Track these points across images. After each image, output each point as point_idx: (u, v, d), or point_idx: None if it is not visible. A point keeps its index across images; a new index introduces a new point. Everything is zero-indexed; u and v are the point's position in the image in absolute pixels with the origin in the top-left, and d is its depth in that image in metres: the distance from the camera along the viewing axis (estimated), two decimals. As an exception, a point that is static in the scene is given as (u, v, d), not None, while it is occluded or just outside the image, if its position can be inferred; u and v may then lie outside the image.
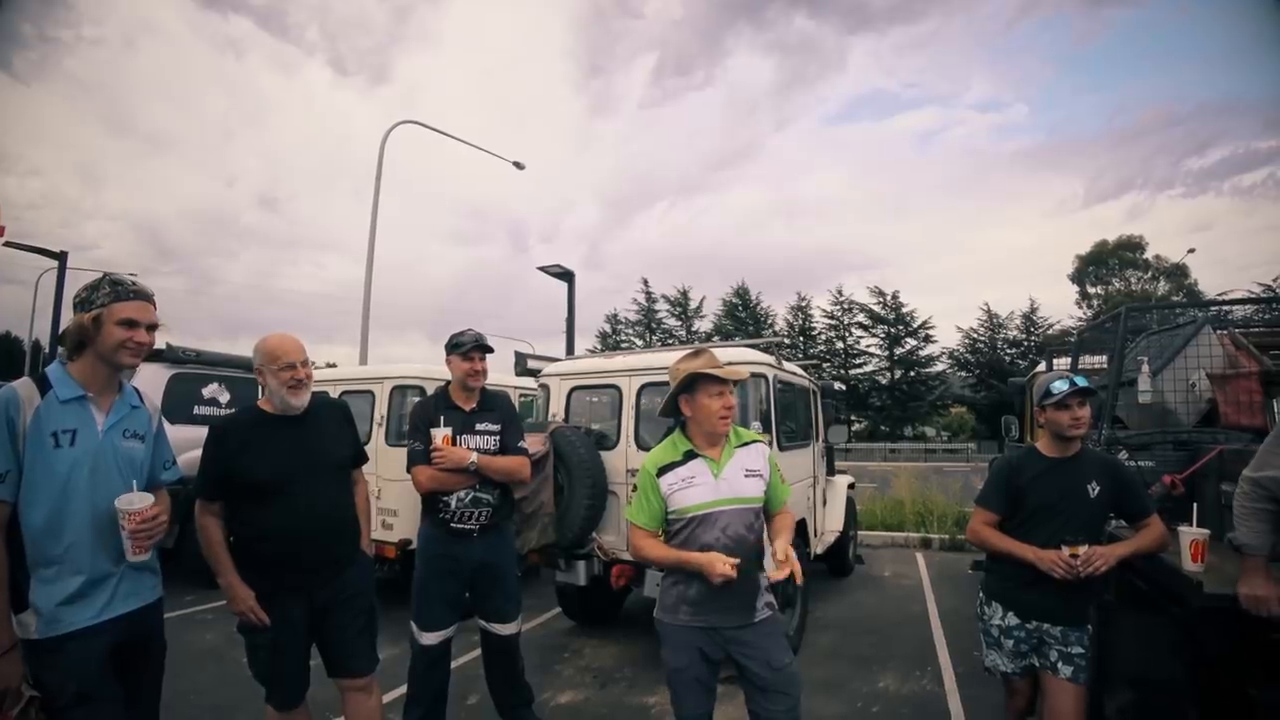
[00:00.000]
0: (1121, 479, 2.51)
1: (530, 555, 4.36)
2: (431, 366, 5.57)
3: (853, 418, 35.17)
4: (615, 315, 39.02)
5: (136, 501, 1.90)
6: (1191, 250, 37.35)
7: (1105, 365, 4.77)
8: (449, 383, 3.25)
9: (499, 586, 3.18)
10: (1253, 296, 13.00)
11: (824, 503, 6.06)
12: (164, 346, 6.47)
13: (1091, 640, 2.51)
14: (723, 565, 2.06)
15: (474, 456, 3.02)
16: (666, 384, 4.43)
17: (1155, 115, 73.66)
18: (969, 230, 75.47)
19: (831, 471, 6.67)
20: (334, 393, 5.74)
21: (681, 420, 2.37)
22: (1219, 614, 2.23)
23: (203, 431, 2.58)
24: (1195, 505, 2.71)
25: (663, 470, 2.28)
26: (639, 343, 37.38)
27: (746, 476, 2.30)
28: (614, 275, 75.29)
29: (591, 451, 4.46)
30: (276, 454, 2.44)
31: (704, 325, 38.09)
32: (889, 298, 35.62)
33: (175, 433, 2.54)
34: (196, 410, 6.76)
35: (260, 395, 2.59)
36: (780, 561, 2.09)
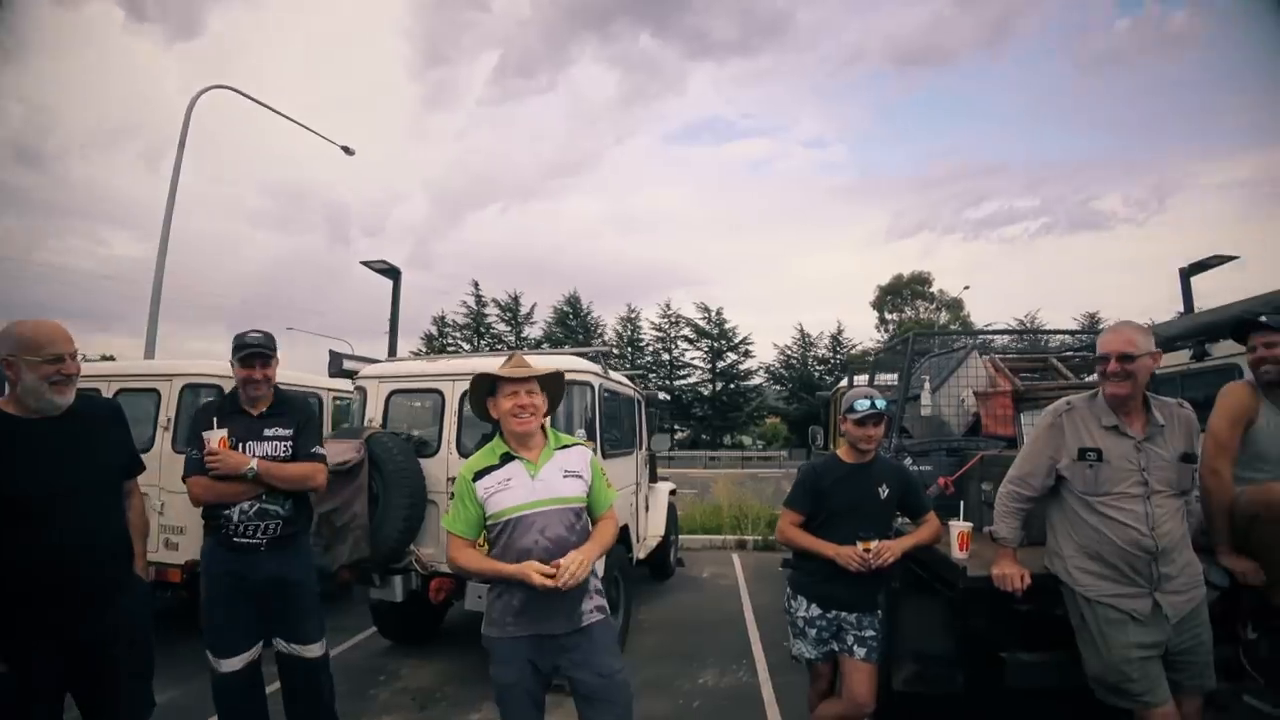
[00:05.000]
0: (906, 482, 2.86)
1: (341, 572, 4.02)
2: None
3: (676, 427, 36.63)
4: (443, 317, 37.53)
5: None
6: (967, 287, 43.20)
7: (896, 382, 5.36)
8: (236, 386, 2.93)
9: (294, 604, 2.87)
10: (1010, 329, 15.58)
11: (647, 509, 6.22)
12: None
13: (881, 623, 2.81)
14: (537, 576, 2.04)
15: (252, 463, 2.71)
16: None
17: (946, 169, 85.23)
18: (790, 255, 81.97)
19: (654, 478, 6.85)
20: (107, 391, 4.94)
21: (499, 426, 2.33)
22: (979, 593, 2.62)
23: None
24: (962, 503, 3.14)
25: (479, 474, 2.23)
26: (466, 347, 36.25)
27: (565, 477, 2.28)
28: (443, 275, 72.46)
29: (410, 459, 4.23)
30: (28, 464, 2.05)
31: (534, 332, 37.76)
32: (714, 313, 37.60)
33: None
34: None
35: (2, 392, 2.16)
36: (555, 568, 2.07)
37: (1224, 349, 4.21)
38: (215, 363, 4.99)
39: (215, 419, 2.76)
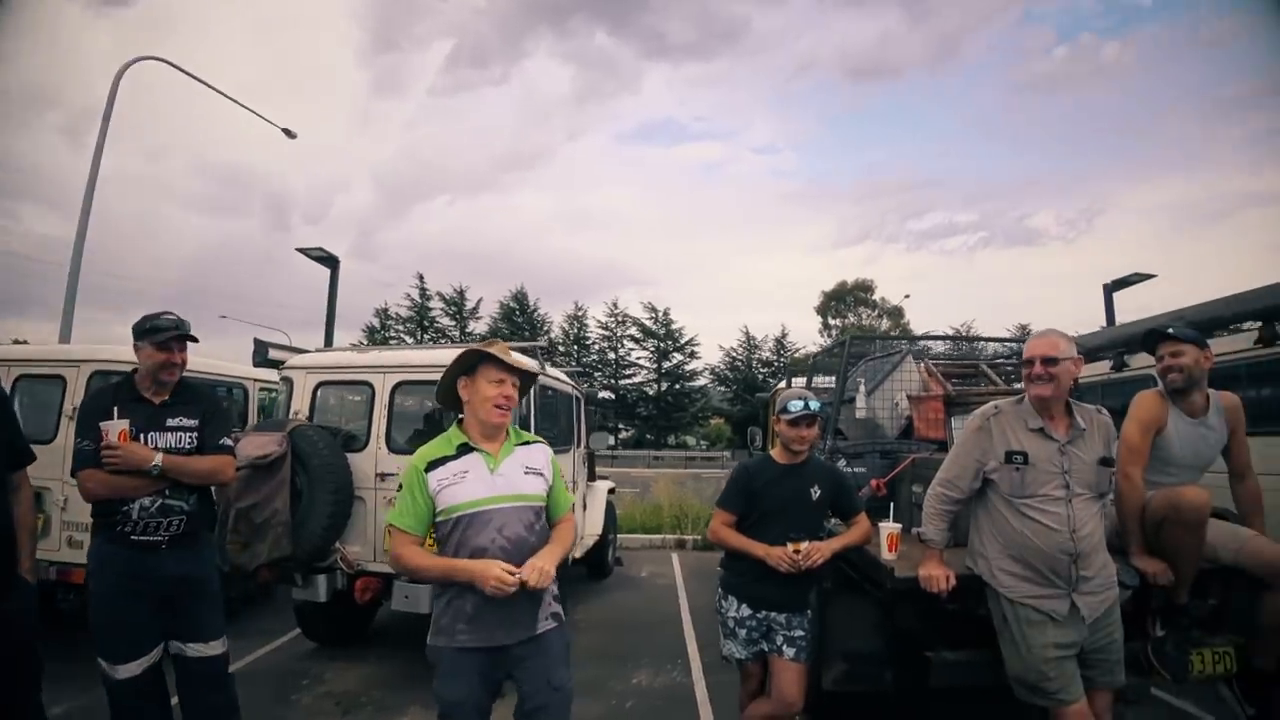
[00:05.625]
0: (838, 483, 2.87)
1: (261, 571, 3.82)
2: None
3: (620, 426, 36.65)
4: (386, 310, 36.66)
5: None
6: (908, 296, 44.62)
7: (833, 385, 5.45)
8: (135, 370, 2.72)
9: (196, 601, 2.67)
10: (944, 335, 16.24)
11: (585, 507, 6.17)
12: None
13: (811, 624, 2.81)
14: (499, 571, 1.90)
15: (158, 457, 2.51)
16: (423, 383, 4.28)
17: (891, 181, 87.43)
18: (738, 258, 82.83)
19: (593, 477, 6.81)
20: (6, 378, 4.58)
21: (458, 416, 2.20)
22: (907, 593, 2.66)
23: None
24: (893, 504, 3.19)
25: (432, 465, 2.06)
26: (409, 340, 35.47)
27: (526, 473, 2.15)
28: (387, 267, 69.94)
29: (336, 453, 4.06)
30: None
31: (479, 327, 37.19)
32: (661, 314, 37.75)
33: None
34: None
35: None
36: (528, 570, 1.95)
37: (1142, 360, 4.41)
38: (125, 348, 4.63)
39: (114, 408, 2.54)
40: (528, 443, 2.24)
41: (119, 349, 4.70)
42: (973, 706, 3.19)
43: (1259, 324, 4.33)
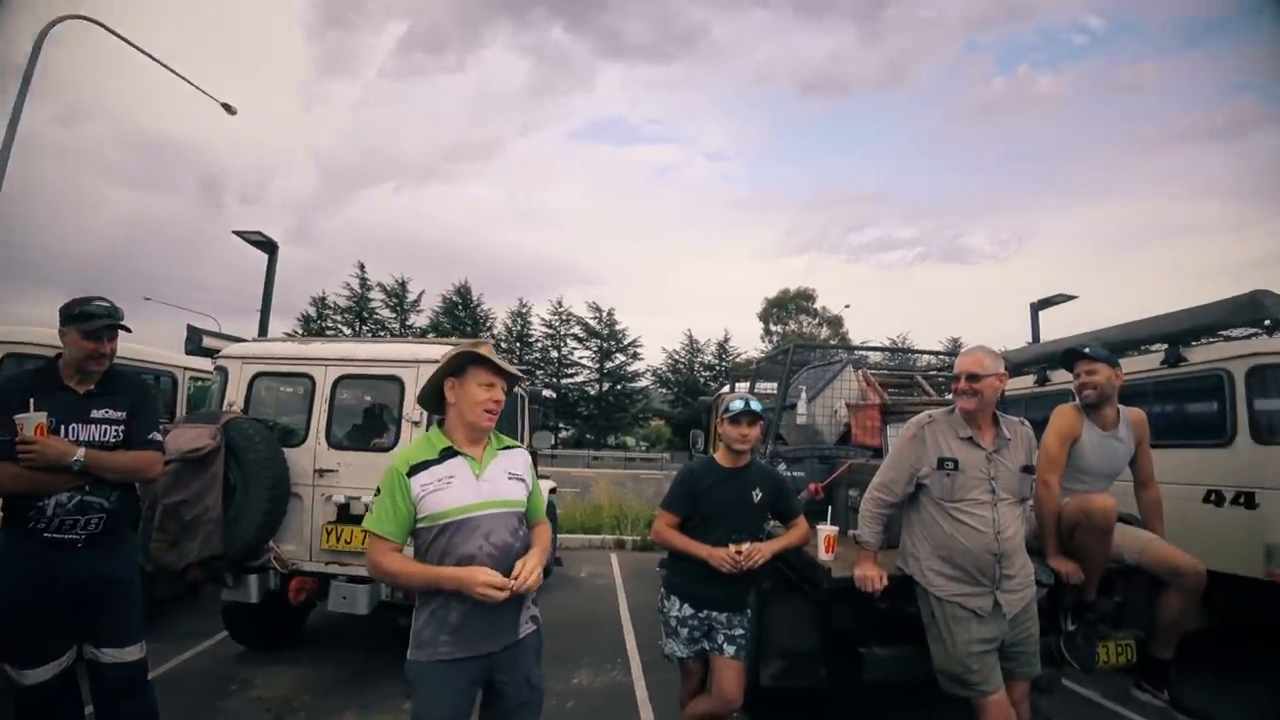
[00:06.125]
0: (779, 487, 2.95)
1: (189, 570, 3.65)
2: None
3: (561, 425, 36.44)
4: (323, 298, 35.25)
5: None
6: (848, 306, 46.13)
7: (775, 391, 5.61)
8: (59, 356, 2.55)
9: (113, 604, 2.51)
10: (883, 347, 16.86)
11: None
12: None
13: (751, 622, 2.90)
14: (487, 576, 1.87)
15: (79, 453, 2.36)
16: (367, 377, 4.21)
17: (834, 194, 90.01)
18: (685, 261, 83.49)
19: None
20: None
21: (439, 418, 2.16)
22: (842, 593, 2.78)
23: None
24: (830, 508, 3.33)
25: (415, 469, 1.98)
26: (347, 331, 34.35)
27: (510, 479, 2.12)
28: (326, 254, 67.40)
29: (273, 447, 3.93)
30: None
31: (420, 320, 36.28)
32: (605, 314, 37.70)
33: None
34: None
35: None
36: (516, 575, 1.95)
37: (1062, 375, 4.70)
38: (44, 330, 4.32)
39: (31, 398, 2.37)
40: (509, 447, 2.21)
41: (35, 330, 4.44)
42: (901, 699, 3.37)
43: (1165, 346, 4.72)
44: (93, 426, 2.48)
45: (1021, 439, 2.63)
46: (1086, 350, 3.11)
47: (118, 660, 2.53)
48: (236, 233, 8.34)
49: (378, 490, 2.00)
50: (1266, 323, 4.28)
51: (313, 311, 34.83)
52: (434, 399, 2.14)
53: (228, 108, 12.60)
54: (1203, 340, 4.65)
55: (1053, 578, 2.82)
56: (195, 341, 4.75)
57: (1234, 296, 4.27)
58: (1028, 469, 2.61)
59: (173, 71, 11.81)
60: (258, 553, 3.89)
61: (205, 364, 5.91)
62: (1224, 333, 4.59)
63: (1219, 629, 4.14)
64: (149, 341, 5.77)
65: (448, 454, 2.04)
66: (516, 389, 5.92)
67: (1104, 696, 4.06)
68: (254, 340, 4.96)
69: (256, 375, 4.28)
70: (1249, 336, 4.41)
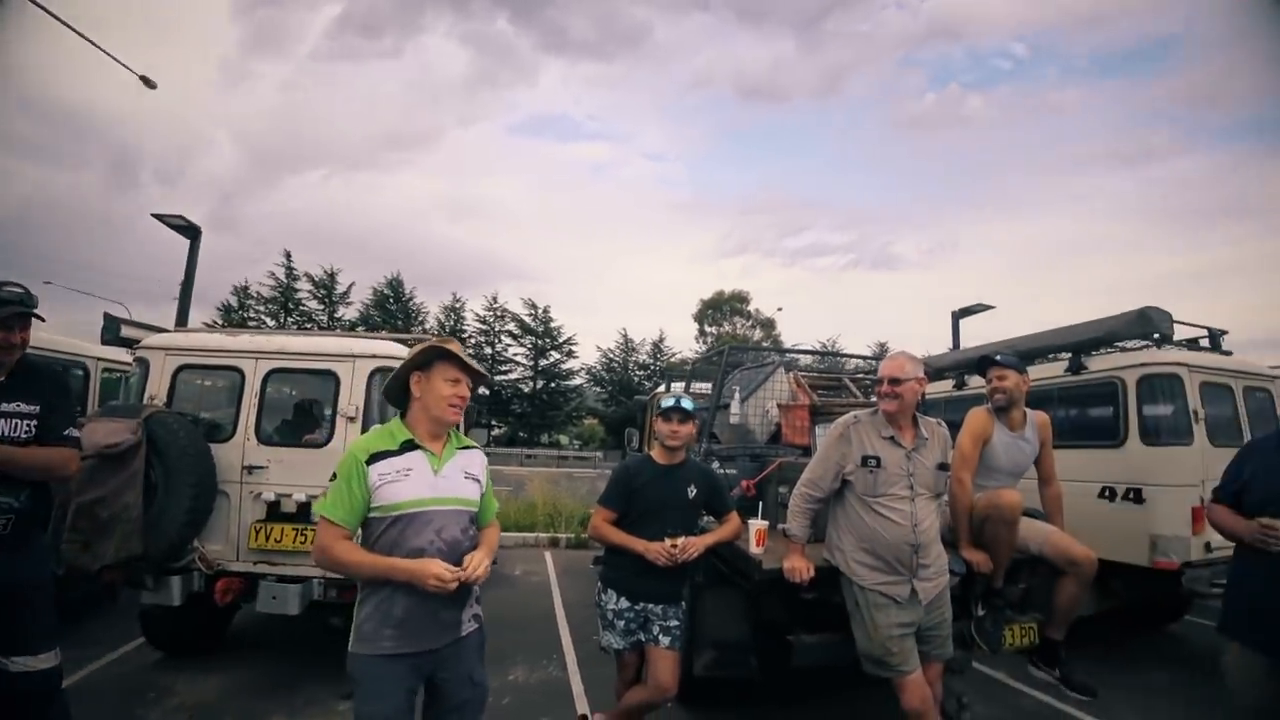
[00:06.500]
0: (712, 484, 3.07)
1: (105, 573, 3.47)
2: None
3: (494, 423, 35.97)
4: (246, 288, 33.49)
5: None
6: (780, 309, 47.33)
7: (710, 391, 5.76)
8: None
9: (22, 610, 2.38)
10: (813, 350, 17.44)
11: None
12: None
13: (685, 614, 3.01)
14: (439, 569, 1.88)
15: None
16: (299, 371, 4.11)
17: (771, 198, 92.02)
18: (622, 260, 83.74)
19: None
20: None
21: (402, 410, 2.15)
22: (772, 584, 2.92)
23: None
24: (761, 503, 3.47)
25: (375, 458, 1.98)
26: (271, 323, 32.83)
27: (466, 478, 2.13)
28: (250, 240, 63.95)
29: (198, 443, 3.79)
30: None
31: (350, 313, 35.01)
32: (540, 311, 37.38)
33: None
34: None
35: None
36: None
37: (978, 380, 5.00)
38: None
39: None
40: (468, 447, 2.22)
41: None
42: (827, 684, 3.54)
43: (1069, 355, 5.11)
44: (2, 421, 2.34)
45: (938, 439, 2.82)
46: (999, 358, 3.37)
47: (29, 669, 2.39)
48: (156, 216, 7.87)
49: (334, 476, 1.99)
50: (1155, 336, 4.72)
51: (234, 301, 33.19)
52: (398, 392, 2.14)
53: (147, 81, 11.86)
54: (1101, 351, 5.06)
55: (964, 567, 3.05)
56: (113, 331, 4.50)
57: (1127, 312, 4.69)
58: (943, 466, 2.81)
59: (85, 39, 11.06)
60: (181, 553, 3.74)
61: (118, 354, 5.62)
62: (1120, 344, 5.00)
63: (1113, 612, 4.55)
64: (49, 328, 5.43)
65: (408, 446, 2.05)
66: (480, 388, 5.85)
67: (1009, 677, 4.38)
68: (178, 331, 4.75)
69: (181, 368, 4.10)
70: (1142, 348, 4.84)
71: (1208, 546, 4.15)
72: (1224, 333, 5.22)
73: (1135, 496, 4.43)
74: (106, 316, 4.50)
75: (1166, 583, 4.26)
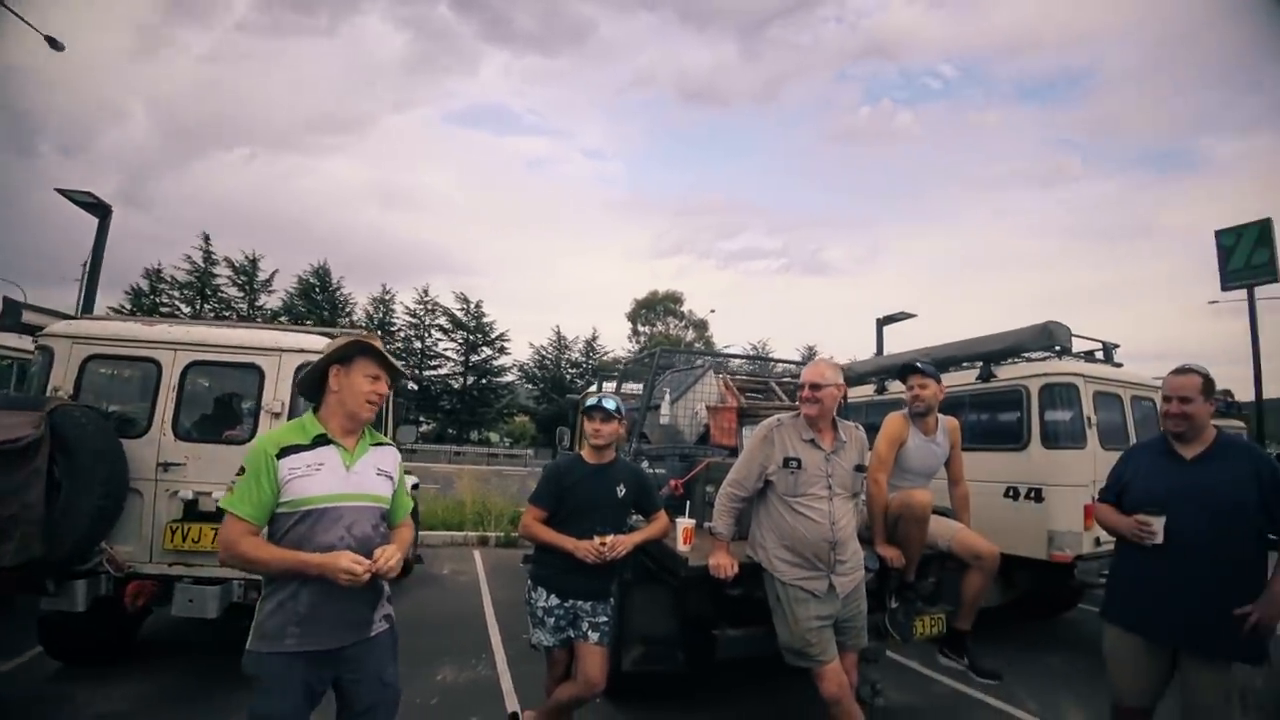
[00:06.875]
0: (642, 483, 3.14)
1: (1, 576, 3.27)
2: None
3: (422, 419, 35.19)
4: (159, 271, 31.55)
5: None
6: (713, 310, 48.04)
7: (641, 392, 5.85)
8: None
9: None
10: (743, 354, 17.84)
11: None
12: None
13: (614, 610, 3.07)
14: (349, 562, 1.85)
15: None
16: (219, 364, 3.99)
17: (707, 201, 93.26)
18: (557, 257, 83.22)
19: None
20: None
21: (315, 404, 2.12)
22: (698, 580, 3.02)
23: None
24: (689, 502, 3.58)
25: (285, 451, 1.95)
26: (186, 310, 31.11)
27: (378, 475, 2.11)
28: (162, 221, 60.16)
29: (108, 439, 3.60)
30: None
31: (272, 301, 33.50)
32: (473, 305, 36.81)
33: None
34: None
35: None
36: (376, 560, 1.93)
37: (898, 386, 5.28)
38: None
39: None
40: (381, 444, 2.20)
41: None
42: (750, 675, 3.67)
43: (980, 364, 5.46)
44: None
45: (855, 441, 2.99)
46: (919, 366, 3.58)
47: None
48: (61, 191, 7.36)
49: (241, 469, 1.94)
50: (1057, 348, 5.10)
51: (145, 285, 31.26)
52: (314, 385, 2.11)
53: (53, 42, 11.02)
54: (1010, 360, 5.42)
55: (879, 562, 3.23)
56: (14, 316, 4.19)
57: (1033, 325, 5.05)
58: (860, 468, 2.98)
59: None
60: (87, 555, 3.54)
61: (7, 340, 5.25)
62: (1026, 355, 5.38)
63: (1015, 603, 4.89)
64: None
65: (320, 441, 2.02)
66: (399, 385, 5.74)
67: (921, 665, 4.65)
68: (87, 318, 4.48)
69: (90, 358, 3.88)
70: (1044, 359, 5.21)
71: (1097, 541, 4.52)
72: (1116, 346, 5.69)
73: (1036, 496, 4.78)
74: (6, 301, 4.20)
75: (1062, 574, 4.63)
